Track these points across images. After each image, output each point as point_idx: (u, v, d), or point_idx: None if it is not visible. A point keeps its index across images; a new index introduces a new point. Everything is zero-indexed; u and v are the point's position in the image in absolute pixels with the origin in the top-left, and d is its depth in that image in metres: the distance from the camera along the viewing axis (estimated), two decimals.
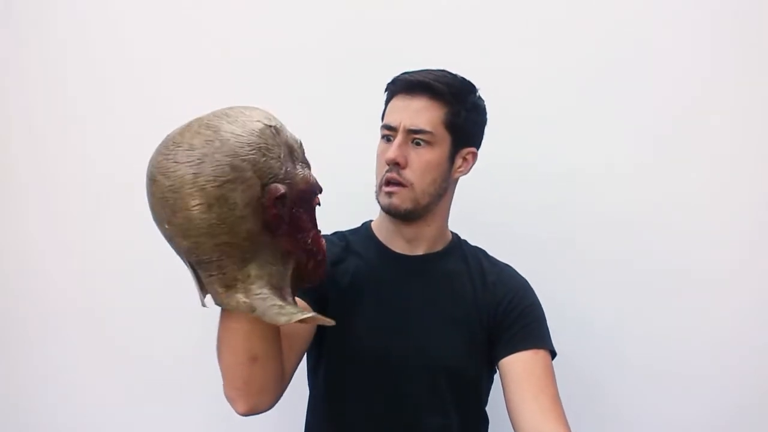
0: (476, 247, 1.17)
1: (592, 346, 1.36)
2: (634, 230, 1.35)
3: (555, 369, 1.06)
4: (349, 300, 1.06)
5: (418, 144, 1.03)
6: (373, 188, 1.08)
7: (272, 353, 0.90)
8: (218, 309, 0.93)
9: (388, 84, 1.08)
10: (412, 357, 1.04)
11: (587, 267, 1.36)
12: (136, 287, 1.45)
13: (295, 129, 0.94)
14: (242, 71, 1.42)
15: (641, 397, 1.36)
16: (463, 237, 1.18)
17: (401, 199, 1.03)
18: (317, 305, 1.00)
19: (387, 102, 1.08)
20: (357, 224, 1.17)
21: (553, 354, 1.07)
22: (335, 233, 1.16)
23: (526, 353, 1.03)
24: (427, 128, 1.02)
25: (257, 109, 0.84)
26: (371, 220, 1.16)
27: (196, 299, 1.52)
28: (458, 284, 1.09)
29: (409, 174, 1.02)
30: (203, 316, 1.42)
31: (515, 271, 1.14)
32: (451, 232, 1.16)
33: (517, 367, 1.03)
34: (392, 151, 1.02)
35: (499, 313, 1.07)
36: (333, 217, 1.11)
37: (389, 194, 1.03)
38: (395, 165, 1.02)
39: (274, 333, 0.88)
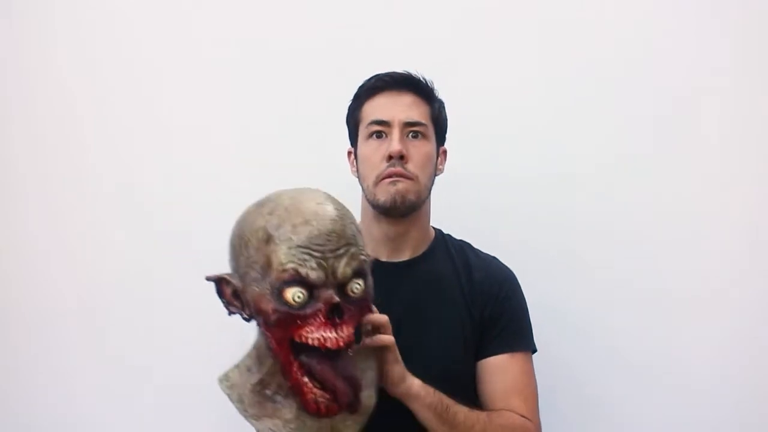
0: (461, 242, 1.16)
1: (589, 353, 1.36)
2: (631, 236, 1.35)
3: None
4: None
5: (415, 136, 1.03)
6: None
7: None
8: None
9: (366, 86, 1.08)
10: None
11: (584, 272, 1.36)
12: (136, 288, 1.45)
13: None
14: (241, 71, 1.42)
15: (639, 405, 1.36)
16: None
17: (407, 189, 1.02)
18: None
19: (364, 102, 1.07)
20: None
21: (533, 350, 1.09)
22: None
23: (501, 357, 1.05)
24: (423, 120, 1.04)
25: (317, 204, 0.81)
26: None
27: (195, 300, 1.52)
28: (446, 285, 1.08)
29: (412, 167, 1.02)
30: (203, 318, 1.43)
31: (500, 264, 1.13)
32: (434, 228, 1.15)
33: (491, 370, 1.04)
34: (396, 144, 1.01)
35: (486, 314, 1.07)
36: None
37: (395, 182, 1.01)
38: (400, 158, 1.01)
39: None
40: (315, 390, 0.79)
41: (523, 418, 1.01)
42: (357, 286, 0.80)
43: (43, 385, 1.49)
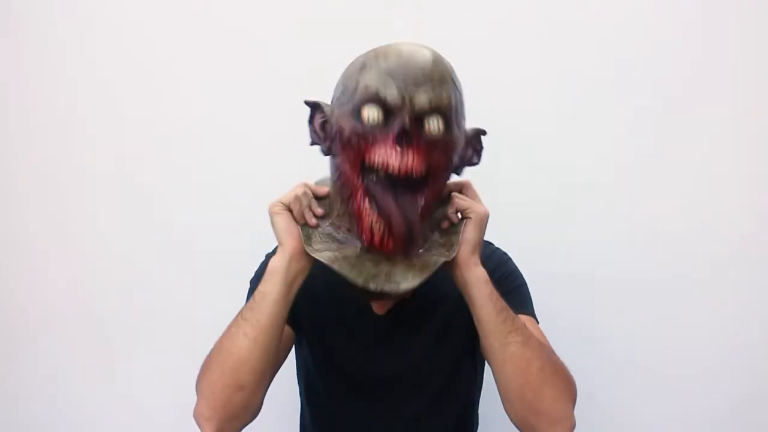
0: None
1: (583, 349, 1.34)
2: (624, 232, 1.35)
3: None
4: (323, 329, 1.03)
5: None
6: None
7: (258, 386, 0.89)
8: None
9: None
10: (398, 382, 1.01)
11: (585, 274, 1.36)
12: (136, 288, 1.45)
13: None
14: (242, 70, 1.42)
15: (631, 398, 1.37)
16: None
17: None
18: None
19: None
20: None
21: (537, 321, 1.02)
22: None
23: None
24: None
25: (416, 47, 0.84)
26: None
27: (194, 301, 1.52)
28: (436, 283, 1.03)
29: None
30: (202, 317, 1.43)
31: (492, 250, 1.07)
32: None
33: None
34: None
35: None
36: None
37: None
38: None
39: (264, 365, 0.88)
40: (373, 215, 0.81)
41: None
42: (434, 123, 0.81)
43: (43, 384, 1.49)
